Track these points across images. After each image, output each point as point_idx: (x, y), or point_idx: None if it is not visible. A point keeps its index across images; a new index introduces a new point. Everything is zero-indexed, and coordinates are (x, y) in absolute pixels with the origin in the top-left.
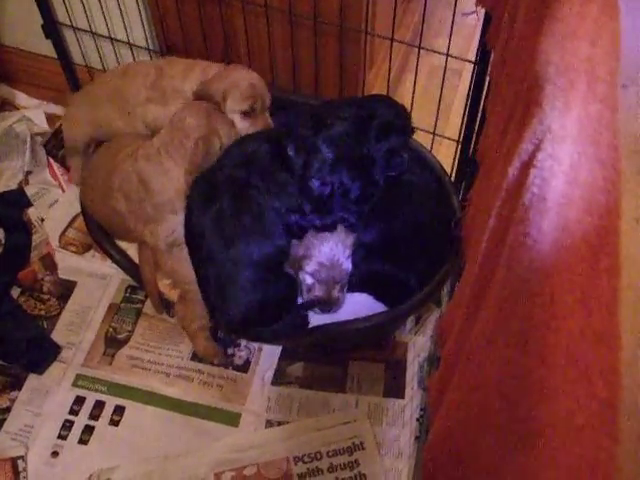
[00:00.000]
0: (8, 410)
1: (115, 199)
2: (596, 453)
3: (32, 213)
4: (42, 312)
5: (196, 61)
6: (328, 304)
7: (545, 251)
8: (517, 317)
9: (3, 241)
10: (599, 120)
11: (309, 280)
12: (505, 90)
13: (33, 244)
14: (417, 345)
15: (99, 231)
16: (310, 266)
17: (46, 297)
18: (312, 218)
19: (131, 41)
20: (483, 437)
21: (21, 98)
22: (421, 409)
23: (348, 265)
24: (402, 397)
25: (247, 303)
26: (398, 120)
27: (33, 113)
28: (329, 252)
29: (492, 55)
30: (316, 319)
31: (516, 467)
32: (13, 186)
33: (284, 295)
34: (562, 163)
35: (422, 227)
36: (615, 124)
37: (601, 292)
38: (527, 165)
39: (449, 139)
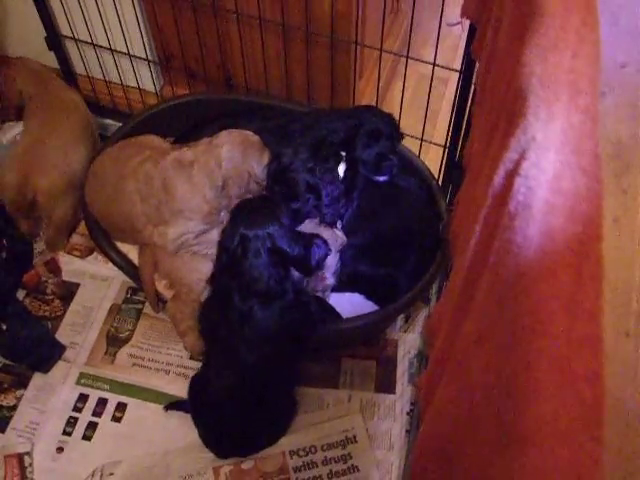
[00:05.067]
0: (14, 408)
1: (128, 201)
2: (581, 456)
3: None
4: (46, 313)
5: None
6: None
7: (530, 258)
8: (503, 322)
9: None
10: (581, 130)
11: None
12: (490, 99)
13: (39, 250)
14: (407, 342)
15: (101, 235)
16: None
17: (50, 298)
18: None
19: (131, 52)
20: (470, 438)
21: None
22: (411, 403)
23: (332, 281)
24: (393, 392)
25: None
26: (386, 127)
27: None
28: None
29: (477, 65)
30: None
31: (502, 470)
32: None
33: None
34: (546, 172)
35: (410, 229)
36: (596, 133)
37: (585, 298)
38: (512, 174)
39: (436, 144)
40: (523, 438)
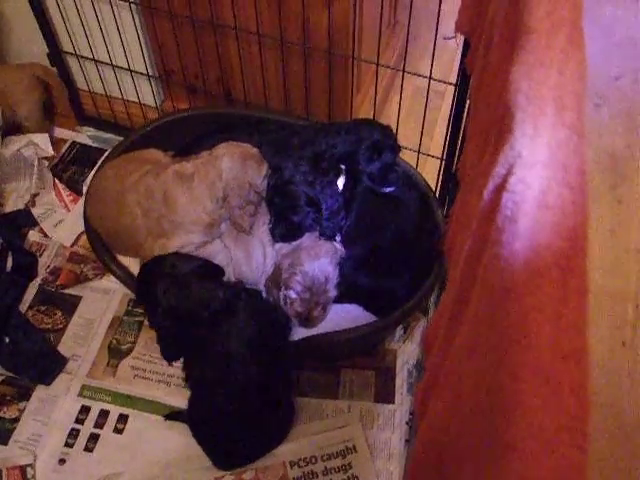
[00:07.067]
0: (17, 420)
1: (129, 215)
2: (565, 466)
3: (39, 232)
4: (49, 325)
5: None
6: (307, 321)
7: (517, 272)
8: (492, 334)
9: (11, 258)
10: (567, 146)
11: (293, 295)
12: (482, 113)
13: (43, 261)
14: (406, 352)
15: (102, 248)
16: (296, 286)
17: (52, 311)
18: None
19: (131, 67)
20: (462, 448)
21: None
22: (410, 413)
23: (334, 292)
24: (392, 402)
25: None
26: (387, 140)
27: (39, 138)
28: (318, 273)
29: (471, 79)
30: (309, 330)
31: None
32: (20, 206)
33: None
34: (533, 188)
35: (408, 240)
36: (583, 149)
37: (570, 311)
38: (500, 189)
39: (433, 156)
40: (509, 448)
